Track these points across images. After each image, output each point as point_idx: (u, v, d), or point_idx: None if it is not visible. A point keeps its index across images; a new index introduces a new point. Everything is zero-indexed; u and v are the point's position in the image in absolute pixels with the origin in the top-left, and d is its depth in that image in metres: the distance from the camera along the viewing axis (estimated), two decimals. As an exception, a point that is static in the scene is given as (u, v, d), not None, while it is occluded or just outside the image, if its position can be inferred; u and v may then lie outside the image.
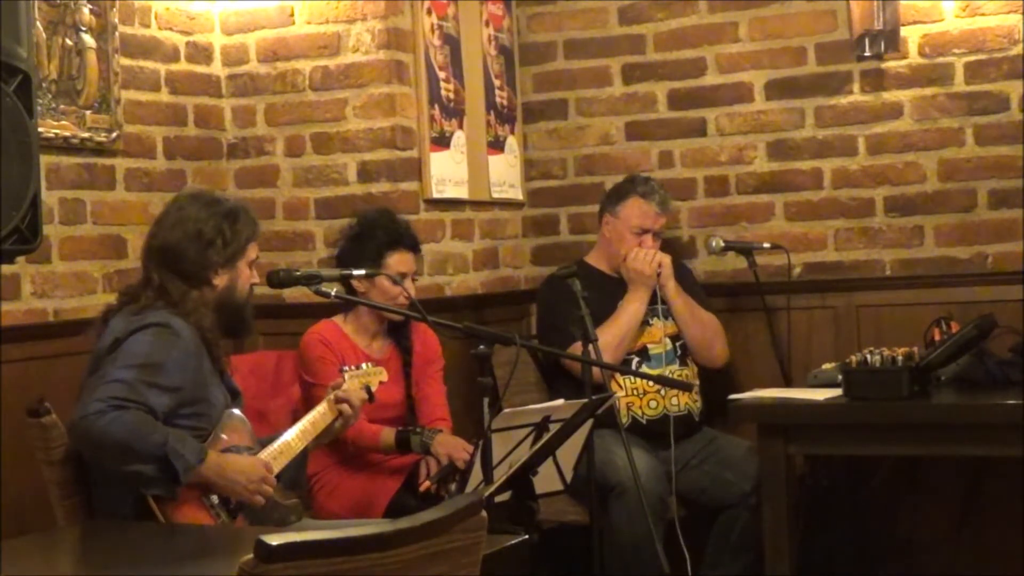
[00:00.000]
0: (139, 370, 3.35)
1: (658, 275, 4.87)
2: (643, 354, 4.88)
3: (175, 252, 3.57)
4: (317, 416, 3.72)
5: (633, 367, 4.81)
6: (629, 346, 4.83)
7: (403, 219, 4.48)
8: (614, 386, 4.60)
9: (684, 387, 4.77)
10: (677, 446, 4.73)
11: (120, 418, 3.28)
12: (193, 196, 3.72)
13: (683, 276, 5.05)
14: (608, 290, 4.90)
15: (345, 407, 3.72)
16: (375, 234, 4.35)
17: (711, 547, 4.79)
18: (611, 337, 4.68)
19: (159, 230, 3.64)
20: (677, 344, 4.94)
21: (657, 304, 4.90)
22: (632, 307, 4.86)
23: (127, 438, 3.28)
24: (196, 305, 3.53)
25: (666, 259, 4.92)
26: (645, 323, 4.89)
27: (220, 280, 3.60)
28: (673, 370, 4.89)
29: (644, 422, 4.79)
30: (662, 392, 4.79)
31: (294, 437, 3.65)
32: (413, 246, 4.41)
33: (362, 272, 4.10)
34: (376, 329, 4.42)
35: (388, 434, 4.26)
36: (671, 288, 4.92)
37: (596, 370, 4.37)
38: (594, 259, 5.08)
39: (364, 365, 3.95)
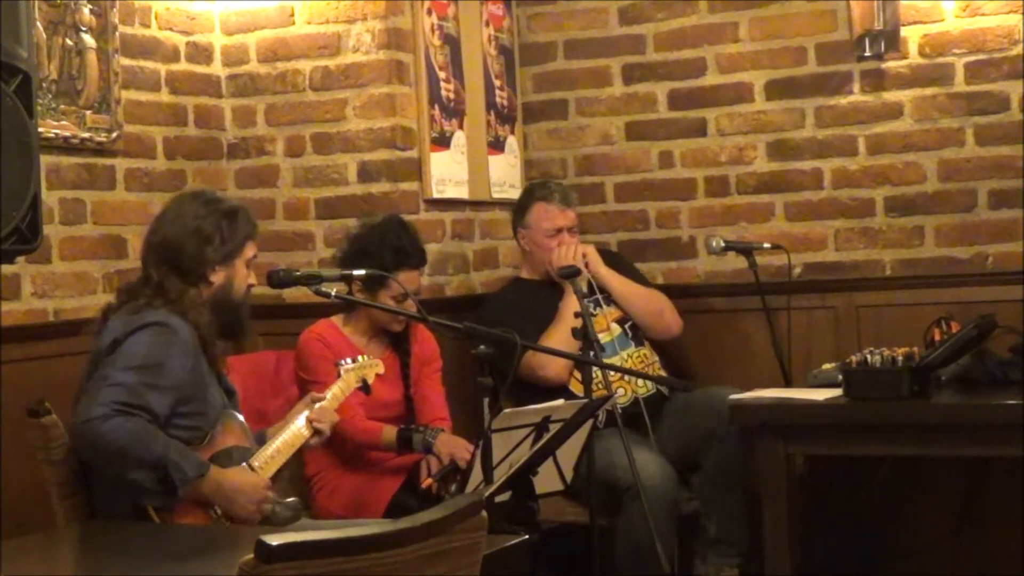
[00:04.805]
0: (139, 372, 3.35)
1: (586, 266, 4.90)
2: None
3: (173, 248, 3.57)
4: (292, 436, 3.70)
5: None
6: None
7: (411, 229, 4.42)
8: (578, 385, 4.56)
9: (683, 387, 4.77)
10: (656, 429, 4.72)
11: (122, 425, 3.28)
12: (193, 195, 3.73)
13: (618, 262, 5.09)
14: (549, 298, 4.89)
15: (321, 426, 3.71)
16: (382, 253, 4.30)
17: (704, 493, 4.74)
18: (564, 336, 4.65)
19: (158, 227, 3.65)
20: (626, 326, 4.96)
21: (595, 295, 4.91)
22: (573, 302, 4.86)
23: (127, 446, 3.28)
24: (193, 303, 3.53)
25: (589, 248, 4.99)
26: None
27: (217, 277, 3.60)
28: (630, 352, 4.91)
29: (619, 411, 4.78)
30: (625, 378, 4.79)
31: (277, 446, 3.65)
32: (420, 263, 4.41)
33: (362, 272, 4.09)
34: (374, 331, 4.42)
35: (390, 432, 4.25)
36: (603, 273, 4.97)
37: (554, 372, 4.62)
38: (527, 273, 5.11)
39: (361, 357, 3.95)
